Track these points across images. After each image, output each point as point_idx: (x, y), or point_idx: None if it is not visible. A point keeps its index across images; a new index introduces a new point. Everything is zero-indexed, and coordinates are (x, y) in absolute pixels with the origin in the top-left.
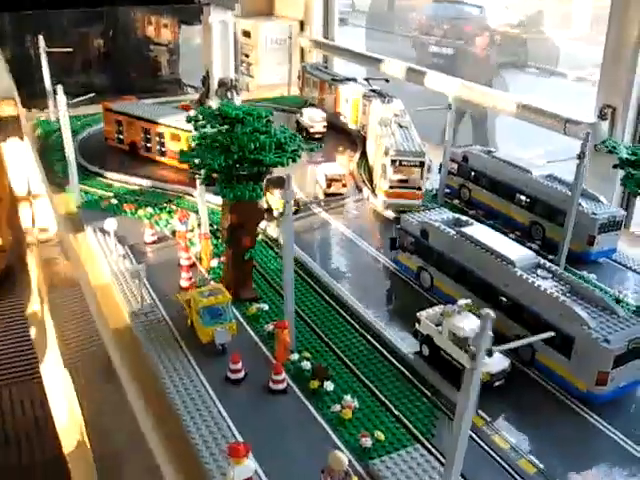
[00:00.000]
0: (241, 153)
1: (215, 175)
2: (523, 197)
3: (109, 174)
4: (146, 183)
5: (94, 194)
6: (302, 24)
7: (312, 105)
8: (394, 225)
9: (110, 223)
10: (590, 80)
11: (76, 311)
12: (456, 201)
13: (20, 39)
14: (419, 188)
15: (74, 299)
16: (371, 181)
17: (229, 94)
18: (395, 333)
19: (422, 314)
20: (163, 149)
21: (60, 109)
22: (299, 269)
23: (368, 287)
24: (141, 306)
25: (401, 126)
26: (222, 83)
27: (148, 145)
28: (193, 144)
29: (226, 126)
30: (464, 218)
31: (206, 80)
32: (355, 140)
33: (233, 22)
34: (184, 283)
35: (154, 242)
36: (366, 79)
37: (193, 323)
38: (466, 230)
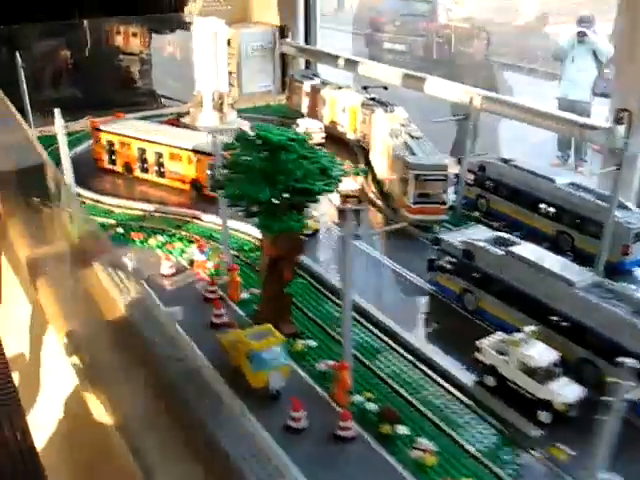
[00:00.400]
0: (287, 182)
1: (256, 207)
2: (548, 207)
3: (106, 199)
4: (149, 207)
5: (93, 222)
6: (283, 30)
7: (300, 115)
8: (430, 245)
9: (128, 258)
10: (540, 71)
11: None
12: (476, 213)
13: None
14: (443, 203)
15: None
16: (383, 196)
17: (222, 109)
18: (449, 361)
19: (483, 343)
20: (162, 169)
21: (58, 133)
22: (326, 290)
23: (407, 311)
24: (175, 352)
25: (413, 137)
26: (215, 97)
27: (145, 166)
28: (226, 172)
29: (266, 153)
30: (506, 236)
31: (199, 95)
32: (354, 151)
33: (227, 32)
34: (215, 320)
35: (172, 274)
36: (363, 87)
37: (240, 367)
38: (515, 249)
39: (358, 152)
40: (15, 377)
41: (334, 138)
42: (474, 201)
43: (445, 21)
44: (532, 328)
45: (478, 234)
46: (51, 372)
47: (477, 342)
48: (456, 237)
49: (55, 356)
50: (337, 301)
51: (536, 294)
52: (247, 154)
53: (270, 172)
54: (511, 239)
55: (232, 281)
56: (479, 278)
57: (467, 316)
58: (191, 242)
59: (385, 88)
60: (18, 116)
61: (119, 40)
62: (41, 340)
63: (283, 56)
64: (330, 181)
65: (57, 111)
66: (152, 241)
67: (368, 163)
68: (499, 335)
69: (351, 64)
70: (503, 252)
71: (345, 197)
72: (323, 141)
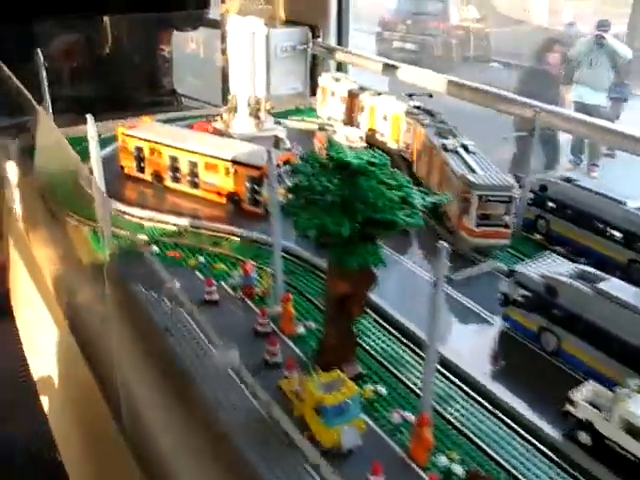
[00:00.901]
0: (367, 213)
1: (328, 238)
2: (617, 232)
3: (135, 211)
4: (183, 222)
5: (124, 238)
6: (314, 30)
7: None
8: (507, 276)
9: (171, 285)
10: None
11: None
12: (537, 236)
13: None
14: (506, 226)
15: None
16: (435, 215)
17: (260, 115)
18: (533, 412)
19: (576, 395)
20: (196, 180)
21: (91, 143)
22: (389, 326)
23: (478, 351)
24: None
25: (469, 151)
26: (250, 102)
27: (177, 175)
28: (294, 198)
29: (341, 177)
30: (592, 270)
31: (234, 99)
32: (397, 162)
33: (266, 33)
34: (269, 358)
35: (216, 302)
36: (409, 95)
37: (305, 417)
38: (604, 286)
39: (400, 164)
40: (44, 402)
41: (373, 148)
42: (532, 222)
43: (457, 21)
44: (638, 382)
45: (557, 266)
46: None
47: (569, 393)
48: (532, 269)
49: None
50: (403, 339)
51: (633, 339)
52: (318, 178)
53: (349, 201)
54: (598, 274)
55: (285, 313)
56: (562, 317)
57: (546, 358)
58: (234, 264)
59: (430, 96)
60: (48, 117)
61: (142, 38)
62: (69, 368)
63: (314, 57)
64: (412, 211)
65: (89, 117)
66: (192, 262)
67: (412, 176)
68: (593, 385)
69: (389, 69)
70: (592, 290)
71: None
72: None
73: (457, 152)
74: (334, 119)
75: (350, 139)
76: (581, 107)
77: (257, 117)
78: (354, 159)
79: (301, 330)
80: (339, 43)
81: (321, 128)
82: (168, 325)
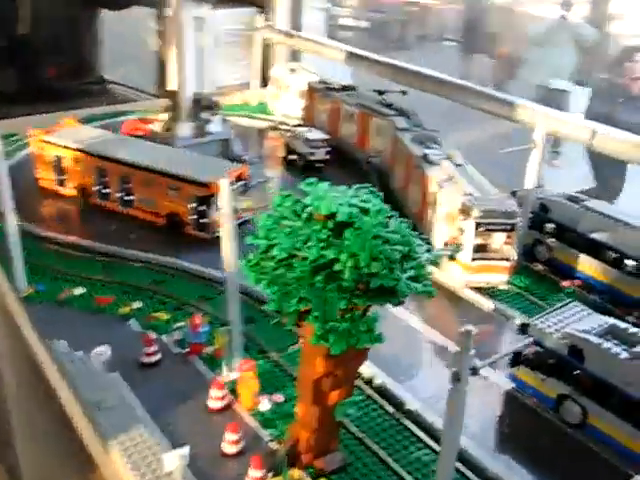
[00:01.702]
0: (356, 277)
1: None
2: (635, 262)
3: (54, 235)
4: (115, 250)
5: (41, 275)
6: (263, 11)
7: (294, 125)
8: (519, 331)
9: (102, 351)
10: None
11: None
12: (537, 265)
13: None
14: (507, 259)
15: None
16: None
17: (204, 116)
18: None
19: None
20: (128, 198)
21: None
22: (388, 404)
23: (483, 418)
24: None
25: (456, 164)
26: (196, 101)
27: (105, 191)
28: (256, 256)
29: (325, 231)
30: (623, 325)
31: (175, 97)
32: (366, 171)
33: (212, 18)
34: (229, 449)
35: (156, 363)
36: (378, 91)
37: None
38: None
39: (370, 173)
40: None
41: (337, 152)
42: (529, 248)
43: None
44: None
45: (580, 320)
46: None
47: None
48: (551, 322)
49: None
50: (405, 420)
51: None
52: (296, 235)
53: (326, 263)
54: (633, 331)
55: (247, 384)
56: (590, 385)
57: (567, 431)
58: (179, 309)
59: (404, 93)
60: None
61: (63, 16)
62: None
63: (264, 43)
64: (421, 273)
65: None
66: (125, 309)
67: (385, 188)
68: None
69: (354, 58)
70: (628, 354)
71: None
72: (327, 157)
73: (443, 166)
74: (290, 117)
75: (313, 143)
76: (545, 91)
77: (202, 118)
78: (341, 207)
79: (266, 406)
80: (293, 26)
81: (274, 128)
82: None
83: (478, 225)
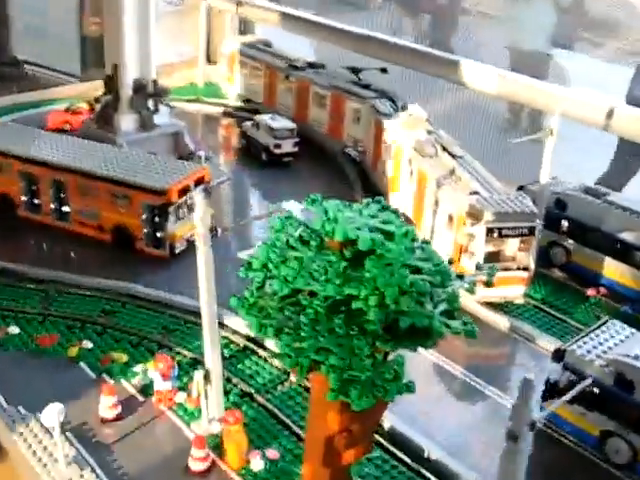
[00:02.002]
0: (384, 317)
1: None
2: None
3: None
4: (54, 276)
5: None
6: None
7: (253, 110)
8: (554, 358)
9: (54, 411)
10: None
11: None
12: (556, 271)
13: None
14: (525, 268)
15: None
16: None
17: (150, 105)
18: None
19: None
20: (64, 209)
21: None
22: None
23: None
24: None
25: (454, 155)
26: (140, 87)
27: (35, 201)
28: (254, 291)
29: (341, 262)
30: None
31: (113, 82)
32: (342, 165)
33: None
34: None
35: (118, 417)
36: (352, 69)
37: None
38: None
39: (347, 167)
40: None
41: (306, 142)
42: (544, 251)
43: None
44: None
45: (622, 342)
46: None
47: None
48: (590, 347)
49: None
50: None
51: None
52: (308, 268)
53: (343, 299)
54: None
55: (232, 437)
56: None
57: (611, 471)
58: (138, 346)
59: (384, 70)
60: None
61: None
62: None
63: (208, 12)
64: (453, 304)
65: None
66: (72, 349)
67: (367, 186)
68: None
69: (313, 27)
70: None
71: None
72: (296, 150)
73: (441, 159)
74: (246, 99)
75: (278, 133)
76: (518, 54)
77: (148, 108)
78: (360, 232)
79: (259, 464)
80: None
81: (229, 114)
82: None
83: (490, 231)
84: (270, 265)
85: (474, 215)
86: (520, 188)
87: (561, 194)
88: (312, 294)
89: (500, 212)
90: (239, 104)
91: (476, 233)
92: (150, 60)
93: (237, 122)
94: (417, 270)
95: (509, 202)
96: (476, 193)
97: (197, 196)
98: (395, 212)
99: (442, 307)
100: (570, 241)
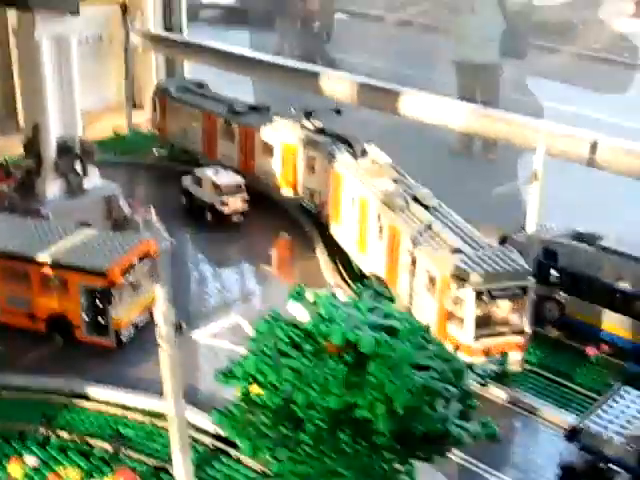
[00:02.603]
0: (393, 426)
1: None
2: None
3: None
4: None
5: None
6: (125, 10)
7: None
8: (567, 438)
9: None
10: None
11: None
12: (554, 330)
13: None
14: (520, 332)
15: None
16: None
17: (78, 168)
18: None
19: None
20: None
21: None
22: None
23: None
24: None
25: (427, 207)
26: (65, 148)
27: None
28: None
29: (342, 368)
30: None
31: (34, 144)
32: (299, 221)
33: (76, 37)
34: None
35: None
36: (305, 113)
37: None
38: None
39: (306, 225)
40: None
41: (254, 196)
42: (535, 305)
43: None
44: None
45: None
46: None
47: None
48: (605, 422)
49: None
50: None
51: None
52: (295, 370)
53: (344, 409)
54: None
55: None
56: None
57: None
58: (90, 457)
59: (338, 112)
60: None
61: None
62: None
63: (127, 51)
64: (467, 403)
65: None
66: (14, 469)
67: (326, 240)
68: None
69: (248, 64)
70: None
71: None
72: (246, 208)
73: (412, 211)
74: (185, 150)
75: (225, 189)
76: (468, 68)
77: (76, 171)
78: (361, 334)
79: None
80: (168, 27)
81: (159, 166)
82: None
83: (480, 294)
84: (254, 371)
85: (459, 277)
86: (503, 239)
87: (549, 242)
88: (311, 407)
89: (489, 272)
90: (172, 154)
91: (463, 297)
92: (75, 115)
93: (172, 175)
94: (424, 367)
95: (496, 259)
96: (459, 251)
97: (157, 288)
98: (391, 298)
99: (456, 408)
100: (563, 294)
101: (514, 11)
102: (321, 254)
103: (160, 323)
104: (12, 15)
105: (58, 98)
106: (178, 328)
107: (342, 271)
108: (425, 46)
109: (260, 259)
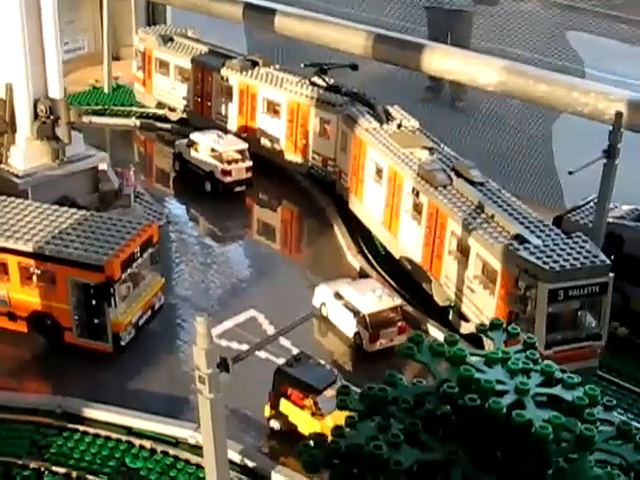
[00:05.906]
0: None
1: None
2: None
3: None
4: None
5: None
6: None
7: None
8: None
9: None
10: None
11: None
12: (622, 328)
13: None
14: (597, 336)
15: None
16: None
17: (61, 134)
18: None
19: None
20: None
21: None
22: None
23: None
24: None
25: (473, 183)
26: (45, 111)
27: None
28: None
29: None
30: None
31: (7, 108)
32: (307, 190)
33: None
34: None
35: None
36: (321, 69)
37: None
38: None
39: (320, 197)
40: None
41: (255, 161)
42: None
43: None
44: None
45: None
46: None
47: None
48: None
49: None
50: None
51: None
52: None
53: None
54: None
55: None
56: None
57: None
58: None
59: (354, 67)
60: None
61: None
62: None
63: None
64: None
65: None
66: None
67: (344, 216)
68: None
69: (242, 10)
70: None
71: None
72: (249, 177)
73: (461, 190)
74: (171, 107)
75: (226, 156)
76: (439, 13)
77: (57, 138)
78: (536, 412)
79: None
80: None
81: (145, 127)
82: None
83: (554, 293)
84: None
85: (530, 273)
86: (557, 218)
87: (613, 225)
88: None
89: (565, 268)
90: (161, 113)
91: (533, 296)
92: (57, 72)
93: (160, 138)
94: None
95: (570, 250)
96: (522, 239)
97: (197, 320)
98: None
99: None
100: (631, 288)
101: None
102: (341, 233)
103: (201, 364)
104: None
105: (37, 52)
106: (223, 366)
107: (367, 253)
108: None
109: (271, 238)
